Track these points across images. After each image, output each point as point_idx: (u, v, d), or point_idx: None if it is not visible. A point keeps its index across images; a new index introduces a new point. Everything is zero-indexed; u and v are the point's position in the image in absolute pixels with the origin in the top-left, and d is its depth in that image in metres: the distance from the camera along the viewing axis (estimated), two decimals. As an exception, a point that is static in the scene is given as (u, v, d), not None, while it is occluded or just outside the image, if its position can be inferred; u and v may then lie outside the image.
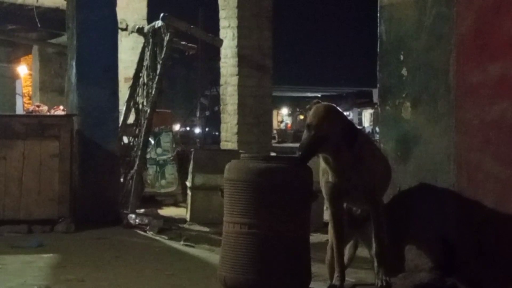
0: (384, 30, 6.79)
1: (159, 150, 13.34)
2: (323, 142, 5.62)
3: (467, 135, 5.95)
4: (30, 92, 22.03)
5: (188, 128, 40.44)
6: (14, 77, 22.04)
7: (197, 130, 39.34)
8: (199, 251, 8.17)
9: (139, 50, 11.92)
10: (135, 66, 11.88)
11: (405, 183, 6.43)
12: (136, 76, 11.73)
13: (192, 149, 12.43)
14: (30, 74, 22.03)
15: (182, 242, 8.62)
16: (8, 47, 21.83)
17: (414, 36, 6.50)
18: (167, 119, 15.37)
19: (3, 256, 7.65)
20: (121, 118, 11.43)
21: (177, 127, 30.05)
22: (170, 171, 13.22)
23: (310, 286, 5.92)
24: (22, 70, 22.21)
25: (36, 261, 7.45)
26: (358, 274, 6.58)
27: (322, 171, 5.95)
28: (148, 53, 11.45)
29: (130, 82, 11.95)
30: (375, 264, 6.00)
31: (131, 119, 11.87)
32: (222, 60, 14.13)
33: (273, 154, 9.93)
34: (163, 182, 13.17)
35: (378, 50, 6.85)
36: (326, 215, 6.17)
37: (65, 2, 11.17)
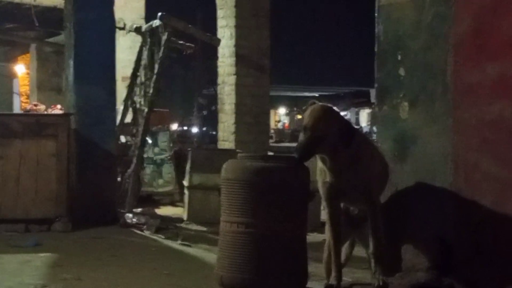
0: (382, 30, 6.79)
1: (156, 150, 13.35)
2: (320, 143, 5.62)
3: (464, 135, 5.95)
4: (28, 91, 22.02)
5: (185, 128, 40.43)
6: (11, 76, 22.05)
7: (195, 130, 39.35)
8: (196, 251, 8.17)
9: (137, 49, 11.92)
10: (132, 65, 11.88)
11: (402, 183, 6.43)
12: (134, 76, 11.73)
13: (189, 149, 12.43)
14: (28, 73, 22.02)
15: (179, 242, 8.63)
16: (5, 46, 21.83)
17: (412, 36, 6.49)
18: (164, 119, 15.37)
19: (1, 255, 7.65)
20: (119, 118, 11.43)
21: (174, 126, 30.05)
22: (167, 170, 13.22)
23: (307, 285, 5.93)
24: (20, 69, 22.20)
25: (33, 260, 7.44)
26: (355, 273, 6.59)
27: (319, 171, 5.95)
28: (145, 53, 11.46)
29: (128, 81, 11.95)
30: (372, 263, 6.00)
31: (128, 119, 11.87)
32: (220, 59, 14.14)
33: (270, 153, 9.92)
34: (160, 181, 13.17)
35: (376, 50, 6.85)
36: (323, 215, 6.17)
37: (63, 1, 11.15)
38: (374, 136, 7.17)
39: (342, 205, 6.09)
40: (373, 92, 6.85)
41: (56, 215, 9.36)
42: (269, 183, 5.66)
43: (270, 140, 18.12)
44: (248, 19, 13.81)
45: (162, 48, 10.93)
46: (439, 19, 6.22)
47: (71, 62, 10.14)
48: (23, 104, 20.96)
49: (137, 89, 11.61)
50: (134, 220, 9.81)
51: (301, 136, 5.68)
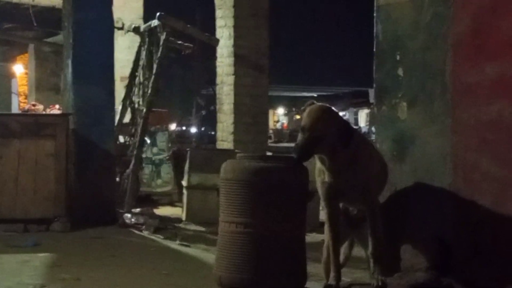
0: (381, 30, 6.79)
1: (155, 150, 13.35)
2: (318, 143, 5.62)
3: (463, 135, 5.95)
4: (26, 91, 22.03)
5: (184, 128, 40.44)
6: (9, 76, 22.05)
7: (193, 130, 39.34)
8: (195, 251, 8.18)
9: (135, 49, 11.93)
10: (131, 65, 11.89)
11: (401, 183, 6.43)
12: (132, 76, 11.73)
13: (188, 149, 12.43)
14: (26, 73, 22.02)
15: (178, 242, 8.64)
16: (3, 45, 21.84)
17: (410, 36, 6.49)
18: (163, 119, 15.37)
19: (-1, 255, 7.66)
20: (117, 118, 11.44)
21: (173, 126, 30.06)
22: (166, 170, 13.23)
23: (306, 285, 5.93)
24: (18, 69, 22.20)
25: (32, 260, 7.45)
26: (354, 274, 6.59)
27: (318, 171, 5.94)
28: (144, 53, 11.46)
29: (126, 81, 11.95)
30: (371, 264, 6.00)
31: (127, 119, 11.87)
32: (219, 59, 14.13)
33: (269, 153, 9.92)
34: (159, 181, 13.17)
35: (374, 50, 6.85)
36: (322, 215, 6.17)
37: (61, 1, 11.16)
38: (373, 136, 7.16)
39: (341, 205, 6.09)
40: (371, 92, 6.86)
41: (54, 215, 9.36)
42: (268, 183, 5.66)
43: (269, 141, 18.11)
44: (247, 19, 13.80)
45: (160, 48, 10.93)
46: (438, 19, 6.22)
47: (70, 62, 10.14)
48: (21, 104, 20.96)
49: (135, 89, 11.62)
50: (132, 220, 9.81)
51: (300, 137, 5.68)
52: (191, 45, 12.05)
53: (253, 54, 13.88)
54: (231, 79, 13.77)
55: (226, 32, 13.80)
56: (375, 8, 6.84)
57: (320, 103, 5.92)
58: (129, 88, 11.74)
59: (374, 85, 6.90)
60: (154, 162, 13.25)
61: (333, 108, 5.88)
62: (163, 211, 11.65)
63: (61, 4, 11.45)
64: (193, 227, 9.90)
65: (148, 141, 12.91)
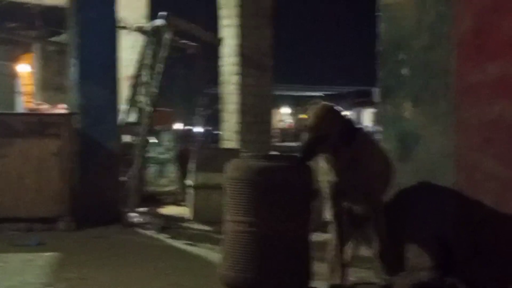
0: (384, 29, 6.80)
1: (160, 149, 13.35)
2: (322, 142, 5.63)
3: (466, 134, 5.95)
4: (31, 91, 22.01)
5: (189, 127, 40.40)
6: (13, 75, 22.04)
7: (198, 129, 39.31)
8: (200, 250, 8.17)
9: (139, 49, 11.93)
10: (135, 64, 11.88)
11: (404, 182, 6.43)
12: (137, 75, 11.73)
13: (193, 148, 12.42)
14: (31, 73, 22.01)
15: (183, 241, 8.63)
16: (7, 45, 21.82)
17: (414, 35, 6.50)
18: (168, 118, 15.36)
19: (3, 254, 7.66)
20: (122, 117, 11.44)
21: (179, 125, 30.03)
22: (171, 170, 13.22)
23: (310, 285, 5.93)
24: (22, 68, 22.19)
25: (36, 259, 7.45)
26: (359, 273, 6.58)
27: (323, 171, 5.95)
28: (149, 52, 11.46)
29: (130, 81, 11.95)
30: (376, 263, 6.00)
31: (132, 118, 11.87)
32: (222, 58, 14.13)
33: (273, 153, 9.92)
34: (163, 180, 13.17)
35: (378, 49, 6.85)
36: (326, 214, 6.17)
37: (66, 0, 11.16)
38: (377, 136, 7.17)
39: (345, 204, 6.09)
40: (375, 92, 6.88)
41: (58, 214, 9.36)
42: (272, 183, 5.66)
43: (274, 139, 18.10)
44: (251, 19, 13.78)
45: (165, 48, 10.93)
46: (441, 19, 6.23)
47: (74, 61, 10.14)
48: (25, 103, 20.94)
49: (140, 89, 11.62)
50: (137, 219, 9.82)
51: (304, 135, 5.69)
52: (195, 44, 12.05)
53: (257, 53, 13.87)
54: (235, 79, 13.76)
55: (230, 32, 13.79)
56: (378, 8, 6.85)
57: (324, 102, 5.93)
58: (134, 87, 11.75)
59: (378, 85, 6.90)
60: (159, 161, 13.25)
61: (336, 107, 5.88)
62: (168, 210, 11.64)
63: (65, 3, 11.45)
64: (198, 226, 9.89)
65: (154, 141, 12.90)
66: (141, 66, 11.64)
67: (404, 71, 6.58)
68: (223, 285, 5.84)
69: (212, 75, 14.95)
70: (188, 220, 10.32)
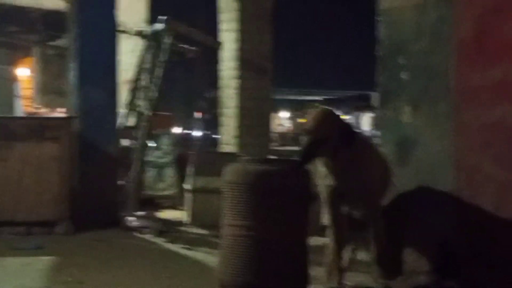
0: (384, 33, 6.80)
1: (158, 153, 13.34)
2: (321, 146, 5.63)
3: (466, 137, 5.96)
4: (31, 94, 22.04)
5: (188, 131, 40.42)
6: (13, 79, 22.06)
7: (196, 133, 39.32)
8: (198, 254, 8.17)
9: (139, 52, 11.93)
10: (134, 68, 11.88)
11: (404, 185, 6.44)
12: (136, 79, 11.73)
13: (191, 152, 12.42)
14: (31, 76, 22.04)
15: (180, 245, 8.63)
16: (7, 49, 21.85)
17: (414, 39, 6.50)
18: (167, 122, 15.35)
19: (2, 257, 7.66)
20: (121, 121, 11.44)
21: (177, 129, 30.02)
22: (169, 173, 13.22)
23: (308, 288, 5.93)
24: (22, 72, 22.22)
25: (35, 263, 7.45)
26: (357, 277, 6.58)
27: (321, 174, 5.95)
28: (148, 56, 11.46)
29: (130, 85, 11.95)
30: (374, 267, 6.00)
31: (131, 122, 11.86)
32: (222, 63, 14.14)
33: (272, 157, 9.92)
34: (162, 184, 13.16)
35: (378, 53, 6.86)
36: (324, 218, 6.17)
37: (66, 4, 11.17)
38: (377, 140, 7.17)
39: (344, 208, 6.09)
40: (374, 96, 6.88)
41: (58, 217, 9.35)
42: (270, 187, 5.66)
43: (273, 144, 18.10)
44: (251, 23, 13.80)
45: (165, 52, 10.94)
46: (441, 22, 6.24)
47: (74, 65, 10.15)
48: (25, 107, 20.96)
49: (139, 93, 11.62)
50: (135, 223, 9.81)
51: (303, 139, 5.69)
52: (195, 48, 12.05)
53: (256, 57, 13.88)
54: (234, 83, 13.77)
55: (229, 36, 13.80)
56: (378, 12, 6.85)
57: (322, 106, 5.94)
58: (133, 91, 11.74)
59: (378, 89, 6.91)
60: (157, 165, 13.24)
61: (335, 111, 5.89)
62: (166, 214, 11.64)
63: (65, 7, 11.46)
64: (196, 230, 9.89)
65: (152, 145, 12.89)
66: (140, 70, 11.62)
67: (404, 75, 6.59)
68: (221, 288, 5.84)
69: (212, 79, 14.96)
70: (186, 224, 10.32)
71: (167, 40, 10.88)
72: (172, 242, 8.86)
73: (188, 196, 10.70)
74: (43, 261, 7.54)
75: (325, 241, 6.26)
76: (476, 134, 5.87)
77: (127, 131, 11.56)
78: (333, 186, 5.87)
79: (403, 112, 6.59)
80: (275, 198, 5.65)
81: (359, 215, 6.10)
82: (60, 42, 18.25)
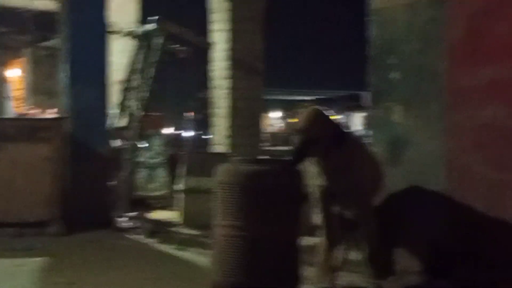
0: (376, 33, 6.80)
1: (150, 154, 13.32)
2: (313, 145, 5.63)
3: (458, 138, 5.97)
4: (22, 95, 21.97)
5: (179, 131, 40.40)
6: (4, 80, 22.00)
7: (188, 134, 39.30)
8: (190, 254, 8.16)
9: (131, 53, 11.91)
10: (126, 69, 11.87)
11: (396, 185, 6.44)
12: (128, 79, 11.71)
13: (183, 153, 12.41)
14: (22, 77, 21.98)
15: (172, 245, 8.62)
16: (-1, 49, 21.79)
17: (405, 39, 6.51)
18: (159, 122, 15.33)
19: (-6, 258, 7.65)
20: (113, 121, 11.42)
21: (169, 130, 30.03)
22: (161, 174, 13.21)
23: (300, 288, 5.93)
24: (13, 73, 22.15)
25: (27, 264, 7.44)
26: (349, 277, 6.58)
27: (313, 174, 5.95)
28: (140, 56, 11.44)
29: (121, 85, 11.93)
30: (365, 267, 6.00)
31: (122, 122, 11.84)
32: (213, 63, 14.12)
33: (264, 157, 9.92)
34: (154, 185, 13.14)
35: (370, 53, 6.86)
36: (316, 218, 6.18)
37: (57, 5, 11.15)
38: (368, 140, 7.18)
39: (335, 208, 6.10)
40: (366, 96, 6.88)
41: (49, 218, 9.34)
42: (262, 187, 5.66)
43: (264, 144, 18.08)
44: (242, 23, 13.78)
45: (156, 52, 10.92)
46: (432, 23, 6.24)
47: (66, 66, 10.13)
48: (17, 108, 20.89)
49: (131, 93, 11.60)
50: (127, 223, 9.80)
51: (295, 138, 5.69)
52: (187, 49, 12.03)
53: (248, 57, 13.86)
54: (226, 83, 13.74)
55: (221, 36, 13.78)
56: (370, 12, 6.85)
57: (314, 106, 5.94)
58: (125, 92, 11.72)
59: (370, 89, 6.91)
60: (149, 166, 13.22)
61: (327, 111, 5.89)
62: (158, 214, 11.62)
63: (56, 8, 11.44)
64: (188, 230, 9.87)
65: (144, 145, 12.88)
66: (132, 70, 11.61)
67: (395, 75, 6.59)
68: (213, 289, 5.84)
69: (203, 79, 14.94)
70: (177, 225, 10.30)
71: (158, 41, 10.87)
72: (163, 242, 8.85)
73: (179, 197, 10.69)
74: (35, 262, 7.52)
75: (317, 241, 6.26)
76: (467, 134, 5.88)
77: (118, 132, 11.54)
78: (324, 186, 5.88)
79: (394, 112, 6.59)
80: (267, 198, 5.64)
81: (350, 215, 6.10)
82: (51, 42, 18.21)
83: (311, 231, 6.53)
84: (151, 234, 9.32)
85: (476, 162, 5.80)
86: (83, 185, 9.74)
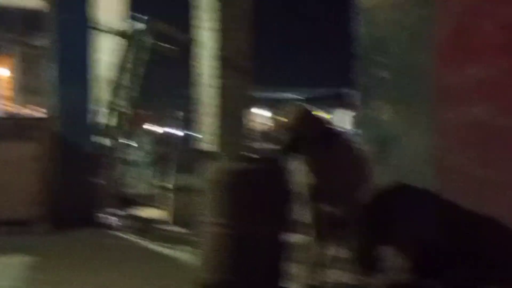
0: (364, 32, 6.80)
1: (139, 152, 13.31)
2: (301, 143, 5.63)
3: (445, 136, 5.97)
4: (10, 94, 21.89)
5: (168, 130, 40.39)
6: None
7: (177, 132, 39.31)
8: (178, 252, 8.16)
9: (119, 52, 11.89)
10: (115, 68, 11.85)
11: (384, 183, 6.44)
12: (117, 78, 11.69)
13: (172, 151, 12.41)
14: (11, 77, 21.90)
15: (161, 243, 8.62)
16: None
17: (393, 38, 6.51)
18: (147, 121, 15.33)
19: (-20, 257, 7.63)
20: (101, 120, 11.40)
21: (158, 128, 29.97)
22: (149, 172, 13.20)
23: (287, 286, 5.93)
24: (1, 72, 22.07)
25: (12, 262, 7.41)
26: (337, 274, 6.58)
27: (301, 172, 5.95)
28: (129, 55, 11.42)
29: (111, 84, 11.91)
30: (353, 264, 6.01)
31: (111, 121, 11.82)
32: (201, 61, 14.10)
33: (251, 155, 9.92)
34: (142, 183, 13.13)
35: (358, 52, 6.86)
36: (305, 216, 6.18)
37: (44, 4, 11.11)
38: (356, 138, 7.18)
39: (323, 206, 6.10)
40: (354, 94, 6.89)
41: (36, 217, 9.32)
42: (250, 185, 5.66)
43: (253, 142, 18.08)
44: (230, 22, 13.75)
45: (145, 51, 10.91)
46: (420, 22, 6.25)
47: (53, 65, 10.11)
48: (3, 107, 20.82)
49: (120, 92, 11.58)
50: (115, 222, 9.78)
51: (283, 135, 5.69)
52: (176, 48, 12.02)
53: (236, 56, 13.84)
54: (214, 81, 13.73)
55: (209, 35, 13.77)
56: (358, 11, 6.85)
57: (302, 104, 5.95)
58: (114, 91, 11.70)
59: (358, 87, 6.91)
60: (137, 164, 13.21)
61: (314, 109, 5.90)
62: (147, 213, 11.61)
63: (44, 7, 11.41)
64: (176, 228, 9.87)
65: (133, 144, 12.86)
66: (121, 69, 11.59)
67: (383, 73, 6.59)
68: (201, 286, 5.83)
69: (192, 78, 14.93)
70: (166, 223, 10.29)
71: (147, 39, 10.87)
72: (152, 240, 8.85)
73: (168, 195, 10.68)
74: (21, 260, 7.51)
75: (305, 238, 6.26)
76: (455, 133, 5.89)
77: (107, 130, 11.53)
78: (313, 184, 5.87)
79: (382, 110, 6.59)
80: (255, 196, 5.65)
81: (338, 212, 6.11)
82: (39, 41, 18.15)
83: (299, 228, 6.54)
84: (139, 232, 9.31)
85: (464, 160, 5.81)
86: (70, 183, 9.71)
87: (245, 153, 11.81)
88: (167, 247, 8.42)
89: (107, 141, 11.57)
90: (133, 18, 11.75)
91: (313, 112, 5.85)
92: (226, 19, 13.71)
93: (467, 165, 5.80)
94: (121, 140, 11.02)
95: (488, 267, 5.63)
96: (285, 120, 5.75)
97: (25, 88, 20.22)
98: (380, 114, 6.61)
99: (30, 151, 9.44)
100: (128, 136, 11.19)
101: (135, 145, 13.15)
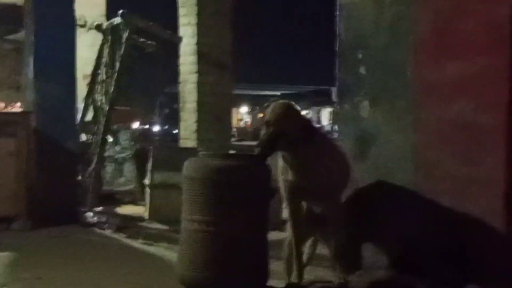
0: (343, 28, 6.80)
1: (117, 148, 13.28)
2: (282, 138, 5.62)
3: (425, 133, 5.99)
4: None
5: (147, 126, 40.30)
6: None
7: (156, 128, 39.23)
8: (157, 249, 8.14)
9: (98, 47, 11.84)
10: (93, 63, 11.80)
11: (363, 181, 6.45)
12: (95, 74, 11.65)
13: (151, 147, 12.39)
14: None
15: (140, 240, 8.59)
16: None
17: (373, 34, 6.51)
18: (126, 117, 15.28)
19: (-42, 254, 7.58)
20: (80, 116, 11.36)
21: (136, 124, 29.93)
22: (129, 169, 13.17)
23: (268, 283, 5.92)
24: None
25: (-8, 259, 7.38)
26: (317, 272, 6.58)
27: (281, 169, 5.95)
28: (106, 50, 11.38)
29: (89, 79, 11.86)
30: (333, 262, 6.01)
31: (89, 117, 11.79)
32: (182, 57, 14.07)
33: (232, 152, 9.92)
34: (121, 180, 13.11)
35: (337, 48, 6.86)
36: (284, 213, 6.18)
37: (22, -2, 11.06)
38: (335, 135, 7.18)
39: (303, 203, 6.09)
40: (334, 91, 6.88)
41: (15, 214, 9.27)
42: (230, 182, 5.64)
43: (232, 139, 18.07)
44: (211, 17, 13.75)
45: (123, 46, 10.88)
46: (400, 18, 6.25)
47: (31, 60, 10.05)
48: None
49: (98, 87, 11.54)
50: (94, 219, 9.75)
51: (263, 131, 5.67)
52: (154, 43, 11.99)
53: (216, 52, 13.84)
54: (194, 77, 13.71)
55: (189, 30, 13.74)
56: (338, 6, 6.85)
57: (283, 100, 5.94)
58: (91, 86, 11.66)
59: (337, 84, 6.91)
60: (116, 160, 13.18)
61: (295, 105, 5.88)
62: (126, 209, 11.58)
63: (22, 1, 11.33)
64: (156, 225, 9.85)
65: (111, 140, 12.82)
66: (99, 64, 11.55)
67: (363, 70, 6.59)
68: (181, 284, 5.82)
69: (172, 74, 14.89)
70: (145, 219, 10.27)
71: (125, 35, 10.83)
72: (131, 237, 8.82)
73: (147, 191, 10.65)
74: (0, 258, 7.46)
75: (285, 235, 6.26)
76: (434, 129, 5.90)
77: (86, 126, 11.49)
78: (293, 181, 5.86)
79: (361, 107, 6.60)
80: (235, 193, 5.63)
81: (318, 210, 6.10)
82: (17, 36, 18.03)
83: (280, 225, 6.54)
84: (119, 229, 9.28)
85: (444, 157, 5.82)
86: (49, 180, 9.66)
87: (225, 149, 11.83)
88: (146, 244, 8.39)
89: (85, 137, 11.54)
90: (111, 12, 11.72)
91: (295, 108, 5.83)
92: (206, 14, 13.70)
93: (446, 162, 5.81)
94: (99, 136, 10.98)
95: (470, 265, 5.64)
96: (266, 115, 5.73)
97: (4, 83, 20.09)
98: (359, 110, 6.61)
99: (7, 147, 9.39)
100: (106, 131, 11.15)
101: (114, 141, 13.12)
